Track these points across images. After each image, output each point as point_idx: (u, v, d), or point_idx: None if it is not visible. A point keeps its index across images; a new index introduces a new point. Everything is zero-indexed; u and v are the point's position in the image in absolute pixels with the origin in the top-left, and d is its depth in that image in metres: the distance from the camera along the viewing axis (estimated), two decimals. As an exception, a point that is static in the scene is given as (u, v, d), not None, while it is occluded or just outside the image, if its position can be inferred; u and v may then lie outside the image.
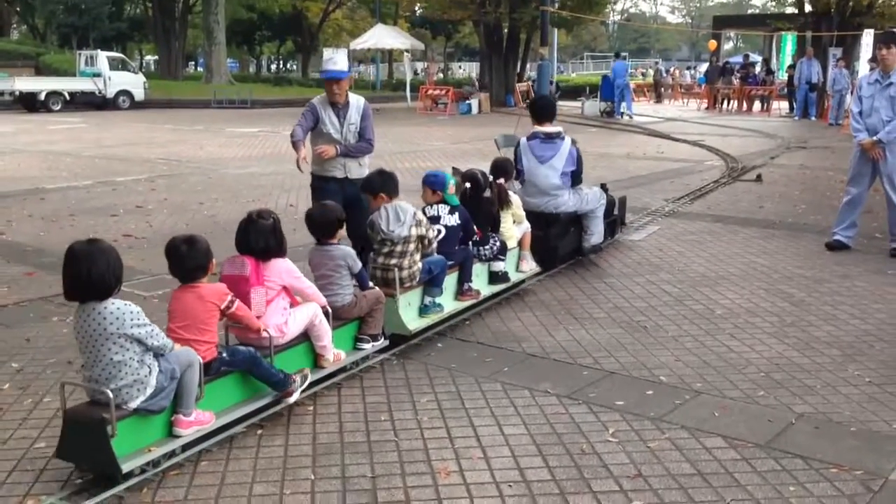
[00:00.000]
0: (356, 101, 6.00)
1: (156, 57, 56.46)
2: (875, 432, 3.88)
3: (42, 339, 5.13)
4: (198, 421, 3.62)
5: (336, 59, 5.85)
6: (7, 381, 4.47)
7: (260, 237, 4.08)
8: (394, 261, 5.02)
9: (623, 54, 32.66)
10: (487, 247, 5.88)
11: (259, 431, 3.89)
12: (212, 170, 13.18)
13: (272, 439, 3.82)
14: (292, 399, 3.99)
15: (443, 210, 5.54)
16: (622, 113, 25.03)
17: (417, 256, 5.10)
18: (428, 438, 3.82)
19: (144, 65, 61.38)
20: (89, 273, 3.27)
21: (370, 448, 3.73)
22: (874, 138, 7.27)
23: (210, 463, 3.59)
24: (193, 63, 65.74)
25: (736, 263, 7.11)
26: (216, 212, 9.46)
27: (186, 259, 3.71)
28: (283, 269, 4.18)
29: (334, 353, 4.44)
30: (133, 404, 3.38)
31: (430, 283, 5.23)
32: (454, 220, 5.52)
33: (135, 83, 30.17)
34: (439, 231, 5.41)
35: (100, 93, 28.94)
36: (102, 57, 29.74)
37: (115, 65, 30.01)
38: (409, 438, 3.82)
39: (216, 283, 3.82)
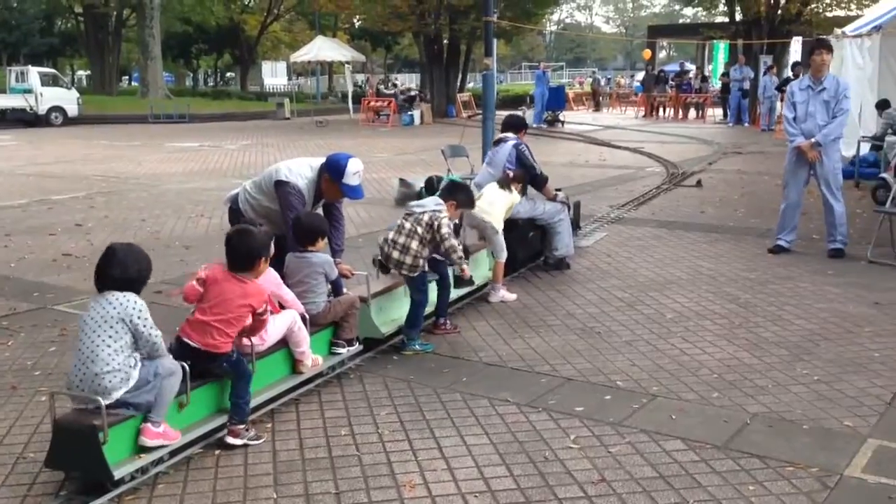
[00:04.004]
0: None
1: (88, 72, 55.29)
2: (827, 429, 3.97)
3: (-17, 365, 4.94)
4: (164, 435, 3.57)
5: (361, 172, 5.04)
6: (-52, 409, 4.29)
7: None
8: (402, 239, 5.08)
9: (543, 65, 33.21)
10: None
11: (216, 451, 3.80)
12: (152, 185, 12.92)
13: (231, 458, 3.74)
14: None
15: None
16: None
17: (425, 252, 5.14)
18: (390, 451, 3.79)
19: (77, 80, 60.02)
20: (113, 266, 3.48)
21: (332, 464, 3.68)
22: (812, 140, 7.47)
23: (167, 486, 3.50)
24: (128, 77, 64.52)
25: (682, 267, 7.24)
26: (160, 227, 9.27)
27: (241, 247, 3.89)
28: (267, 278, 4.21)
29: (312, 359, 4.48)
30: (116, 394, 3.40)
31: (408, 323, 5.17)
32: None
33: (68, 99, 29.42)
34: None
35: (31, 109, 28.17)
36: (33, 73, 28.96)
37: (47, 80, 29.25)
38: (372, 452, 3.78)
39: (261, 286, 3.87)
